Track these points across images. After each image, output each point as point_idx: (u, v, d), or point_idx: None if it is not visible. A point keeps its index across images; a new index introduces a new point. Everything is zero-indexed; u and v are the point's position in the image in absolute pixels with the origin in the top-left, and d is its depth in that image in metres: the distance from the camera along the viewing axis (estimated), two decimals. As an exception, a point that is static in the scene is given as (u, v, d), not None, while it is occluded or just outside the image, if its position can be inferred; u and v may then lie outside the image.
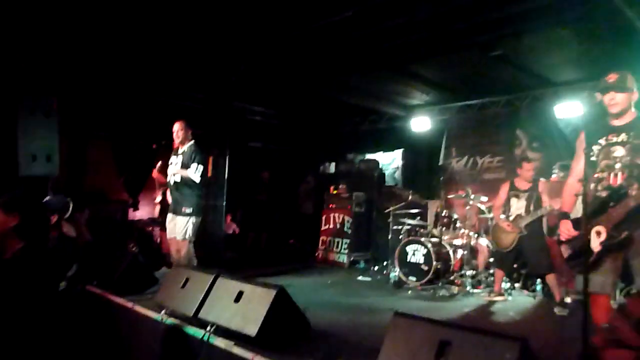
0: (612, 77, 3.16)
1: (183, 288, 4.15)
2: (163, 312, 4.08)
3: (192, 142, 5.68)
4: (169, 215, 5.70)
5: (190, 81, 7.62)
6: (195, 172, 5.46)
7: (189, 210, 5.49)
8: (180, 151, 5.66)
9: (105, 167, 8.90)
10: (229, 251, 8.47)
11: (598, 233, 3.01)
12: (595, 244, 3.01)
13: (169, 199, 5.76)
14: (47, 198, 4.31)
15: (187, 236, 5.50)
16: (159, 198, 6.43)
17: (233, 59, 6.68)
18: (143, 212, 9.10)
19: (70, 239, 4.22)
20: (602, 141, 3.18)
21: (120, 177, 8.95)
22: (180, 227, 5.51)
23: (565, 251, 3.26)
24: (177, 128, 5.65)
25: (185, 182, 5.51)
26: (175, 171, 5.58)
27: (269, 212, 9.97)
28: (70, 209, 4.39)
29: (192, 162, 5.48)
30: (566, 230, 3.22)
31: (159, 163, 6.14)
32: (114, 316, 4.63)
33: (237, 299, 3.63)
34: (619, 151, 3.12)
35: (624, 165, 3.08)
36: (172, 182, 5.64)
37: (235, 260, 8.41)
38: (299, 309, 3.72)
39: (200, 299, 3.87)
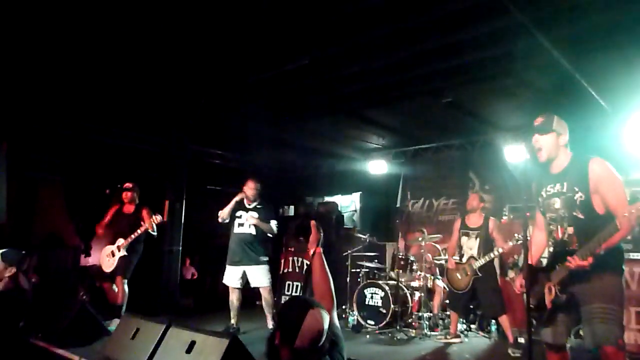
0: (537, 120, 3.06)
1: (133, 339, 4.02)
2: (111, 365, 3.92)
3: (261, 199, 6.21)
4: (231, 268, 6.01)
5: (146, 124, 7.56)
6: (275, 227, 6.10)
7: (265, 258, 6.04)
8: (251, 206, 6.12)
9: (57, 212, 8.58)
10: (185, 297, 8.26)
11: (549, 289, 2.95)
12: (548, 299, 2.96)
13: (231, 251, 6.06)
14: (4, 250, 4.29)
15: (269, 281, 6.01)
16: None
17: (190, 102, 6.71)
18: (95, 259, 8.78)
19: (24, 290, 4.14)
20: (544, 192, 3.09)
21: (72, 221, 8.66)
22: (261, 276, 5.95)
23: (532, 301, 3.11)
24: (254, 187, 6.13)
25: (263, 235, 6.05)
26: (251, 224, 6.00)
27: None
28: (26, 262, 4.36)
29: (271, 218, 6.11)
30: (519, 285, 3.16)
31: (107, 219, 6.21)
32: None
33: (189, 349, 3.53)
34: (557, 203, 3.00)
35: (562, 219, 2.96)
36: (245, 234, 6.00)
37: (190, 307, 8.22)
38: (253, 358, 3.64)
39: (151, 350, 3.76)
